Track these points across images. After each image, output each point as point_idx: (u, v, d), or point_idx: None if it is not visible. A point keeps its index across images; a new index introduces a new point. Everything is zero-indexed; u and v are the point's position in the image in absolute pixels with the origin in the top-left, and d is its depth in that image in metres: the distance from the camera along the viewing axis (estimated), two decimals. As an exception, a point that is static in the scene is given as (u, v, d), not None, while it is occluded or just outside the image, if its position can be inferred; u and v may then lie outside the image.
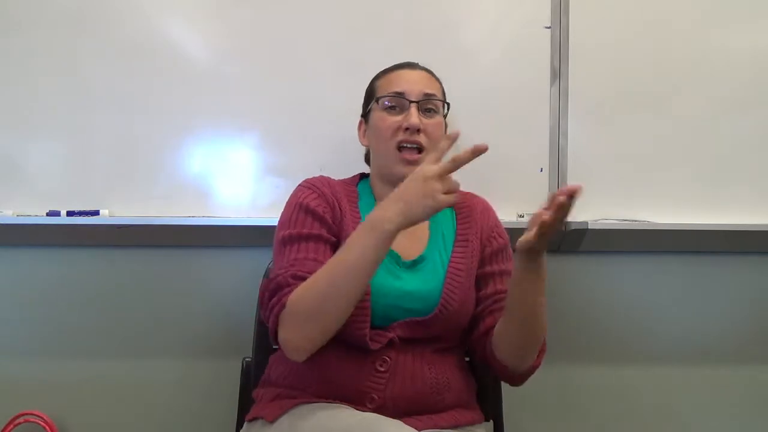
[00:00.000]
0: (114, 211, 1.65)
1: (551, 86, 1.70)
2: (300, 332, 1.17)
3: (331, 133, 1.59)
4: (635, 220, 1.69)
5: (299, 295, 1.17)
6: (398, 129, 1.31)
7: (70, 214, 1.64)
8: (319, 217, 1.29)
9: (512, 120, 1.70)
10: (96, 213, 1.64)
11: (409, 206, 1.11)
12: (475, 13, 1.72)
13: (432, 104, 1.33)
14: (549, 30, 1.70)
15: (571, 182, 1.68)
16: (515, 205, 1.68)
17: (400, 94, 1.33)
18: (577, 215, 1.69)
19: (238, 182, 1.69)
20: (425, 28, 1.70)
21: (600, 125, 1.72)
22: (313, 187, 1.34)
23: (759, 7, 1.73)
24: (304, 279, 1.19)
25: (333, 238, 1.29)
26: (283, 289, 1.19)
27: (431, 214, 1.11)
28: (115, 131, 1.67)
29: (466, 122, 1.67)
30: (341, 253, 1.16)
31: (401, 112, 1.32)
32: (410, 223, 1.12)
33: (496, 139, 1.67)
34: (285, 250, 1.26)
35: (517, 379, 1.31)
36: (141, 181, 1.67)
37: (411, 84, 1.33)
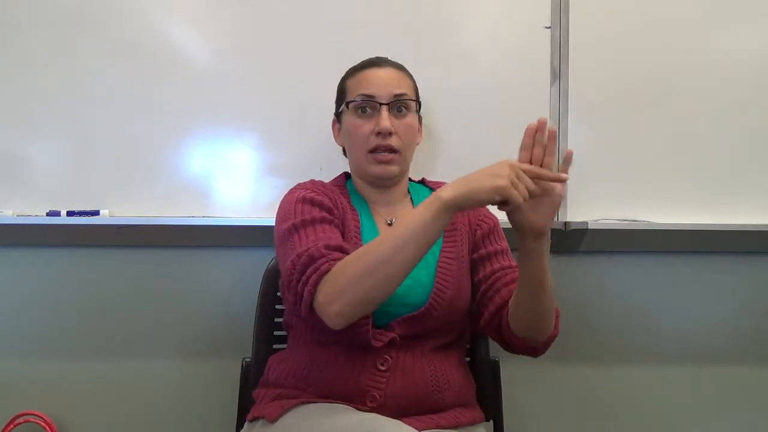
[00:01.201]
0: (114, 211, 1.65)
1: (551, 86, 1.70)
2: (344, 297, 1.13)
3: (331, 133, 1.59)
4: (635, 220, 1.69)
5: (349, 260, 1.14)
6: (370, 134, 1.33)
7: (70, 214, 1.63)
8: (326, 207, 1.29)
9: (512, 120, 1.68)
10: (96, 213, 1.64)
11: (475, 180, 1.11)
12: (475, 14, 1.72)
13: (403, 104, 1.34)
14: (549, 30, 1.70)
15: (571, 182, 1.67)
16: (515, 205, 1.68)
17: (369, 97, 1.33)
18: (577, 215, 1.69)
19: (238, 182, 1.69)
20: (425, 28, 1.70)
21: (600, 125, 1.72)
22: (309, 186, 1.35)
23: (759, 7, 1.73)
24: (337, 248, 1.18)
25: (341, 227, 1.29)
26: (318, 260, 1.16)
27: (492, 192, 1.09)
28: (115, 131, 1.67)
29: (465, 122, 1.68)
30: (398, 222, 1.16)
31: (372, 114, 1.33)
32: (470, 195, 1.10)
33: (496, 139, 1.69)
34: (297, 235, 1.23)
35: (540, 349, 1.30)
36: (141, 181, 1.67)
37: (380, 85, 1.33)
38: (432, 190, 1.45)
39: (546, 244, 1.18)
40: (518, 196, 1.09)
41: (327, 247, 1.18)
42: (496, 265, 1.34)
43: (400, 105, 1.34)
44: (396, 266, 1.12)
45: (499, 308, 1.30)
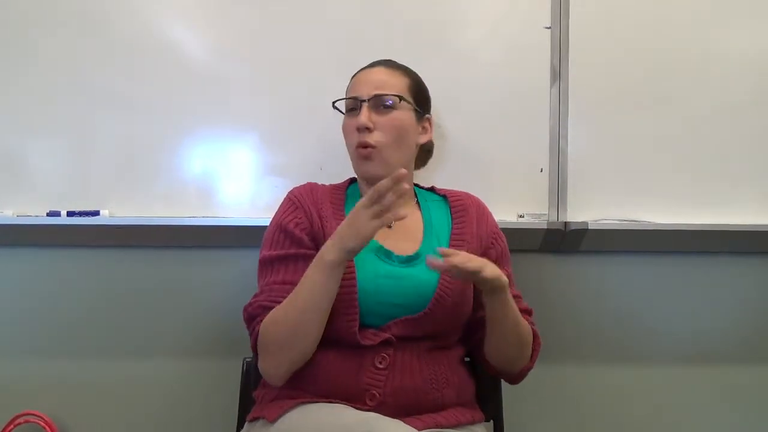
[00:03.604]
0: (114, 212, 1.66)
1: (551, 87, 1.70)
2: (270, 361, 1.25)
3: (331, 133, 1.59)
4: (635, 221, 1.69)
5: (265, 328, 1.23)
6: (354, 131, 1.35)
7: (70, 214, 1.64)
8: (296, 238, 1.32)
9: (512, 120, 1.70)
10: (96, 213, 1.64)
11: (341, 238, 1.19)
12: (475, 14, 1.72)
13: (383, 100, 1.34)
14: (549, 30, 1.70)
15: (572, 182, 1.69)
16: (515, 205, 1.68)
17: (353, 97, 1.36)
18: (578, 215, 1.69)
19: (238, 182, 1.69)
20: (425, 28, 1.70)
21: (600, 126, 1.72)
22: (295, 200, 1.37)
23: (759, 6, 1.73)
24: (272, 309, 1.24)
25: (309, 252, 1.30)
26: (255, 319, 1.26)
27: (364, 239, 1.17)
28: (116, 131, 1.67)
29: (466, 122, 1.68)
30: (298, 287, 1.22)
31: (358, 113, 1.35)
32: (348, 251, 1.18)
33: (496, 140, 1.70)
34: (263, 273, 1.32)
35: (514, 379, 1.38)
36: (141, 182, 1.67)
37: (364, 85, 1.36)
38: (443, 197, 1.45)
39: (496, 300, 1.24)
40: (376, 225, 1.16)
41: (262, 307, 1.26)
42: None
43: (380, 102, 1.34)
44: (308, 325, 1.22)
45: (483, 338, 1.34)
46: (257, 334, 1.25)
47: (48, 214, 1.64)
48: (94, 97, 1.67)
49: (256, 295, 1.30)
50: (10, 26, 1.67)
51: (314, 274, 1.21)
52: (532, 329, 1.34)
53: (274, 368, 1.24)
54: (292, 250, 1.31)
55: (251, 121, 1.69)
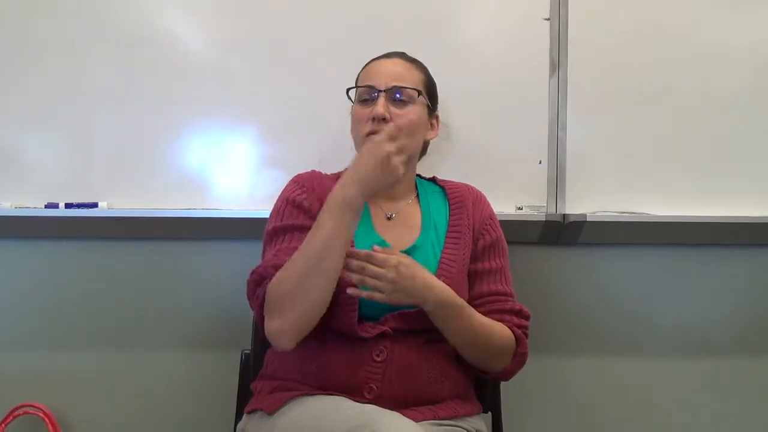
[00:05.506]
0: (112, 204, 1.65)
1: (550, 78, 1.70)
2: (282, 316, 1.17)
3: (330, 125, 1.59)
4: (633, 213, 1.69)
5: (277, 280, 1.18)
6: (368, 119, 1.32)
7: (68, 206, 1.63)
8: (305, 209, 1.31)
9: (511, 112, 1.70)
10: (94, 205, 1.64)
11: (362, 180, 1.17)
12: (474, 6, 1.71)
13: (404, 94, 1.33)
14: (548, 22, 1.70)
15: (570, 174, 1.69)
16: (514, 197, 1.68)
17: (369, 87, 1.34)
18: (576, 207, 1.69)
19: (236, 174, 1.69)
20: (424, 20, 1.69)
21: (599, 117, 1.71)
22: (302, 181, 1.36)
23: (759, 1, 1.73)
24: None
25: None
26: (265, 280, 1.21)
27: (390, 179, 1.19)
28: (114, 123, 1.67)
29: (465, 114, 1.68)
30: (311, 232, 1.18)
31: (373, 103, 1.33)
32: (369, 189, 1.18)
33: (495, 132, 1.69)
34: (271, 242, 1.29)
35: (497, 378, 1.37)
36: (140, 174, 1.67)
37: (381, 75, 1.34)
38: (442, 188, 1.44)
39: (435, 309, 1.22)
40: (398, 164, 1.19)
41: (275, 266, 1.21)
42: (492, 287, 1.34)
43: (398, 94, 1.33)
44: (323, 273, 1.16)
45: None
46: (264, 295, 1.19)
47: (46, 206, 1.64)
48: (93, 89, 1.66)
49: (263, 261, 1.26)
50: (8, 19, 1.66)
51: (333, 215, 1.16)
52: (516, 333, 1.30)
53: (282, 327, 1.18)
54: (301, 221, 1.29)
55: (250, 113, 1.68)
